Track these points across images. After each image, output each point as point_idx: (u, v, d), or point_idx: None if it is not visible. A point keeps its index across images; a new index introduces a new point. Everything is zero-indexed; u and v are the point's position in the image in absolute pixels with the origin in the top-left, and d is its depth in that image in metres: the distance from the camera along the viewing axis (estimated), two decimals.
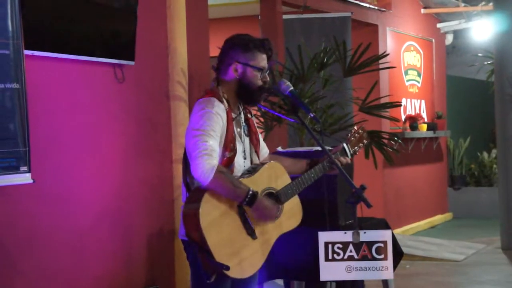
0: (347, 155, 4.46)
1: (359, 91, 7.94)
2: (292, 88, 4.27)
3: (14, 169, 5.00)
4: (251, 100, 4.17)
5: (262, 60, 4.14)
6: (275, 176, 4.16)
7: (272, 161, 4.26)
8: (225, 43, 4.21)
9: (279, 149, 6.21)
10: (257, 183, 4.01)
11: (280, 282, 7.03)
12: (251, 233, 3.96)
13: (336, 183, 5.75)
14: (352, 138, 4.54)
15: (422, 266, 9.06)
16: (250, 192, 3.87)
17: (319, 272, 4.08)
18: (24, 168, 5.06)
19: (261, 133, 7.18)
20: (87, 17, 5.82)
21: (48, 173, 5.57)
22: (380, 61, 7.82)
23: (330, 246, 4.06)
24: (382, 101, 8.00)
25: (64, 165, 5.73)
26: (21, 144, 5.03)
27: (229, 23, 11.09)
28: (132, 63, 6.28)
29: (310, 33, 8.59)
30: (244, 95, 4.13)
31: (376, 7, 11.21)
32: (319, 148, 4.49)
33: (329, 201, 5.76)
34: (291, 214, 4.21)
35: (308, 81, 7.16)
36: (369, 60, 7.33)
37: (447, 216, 14.06)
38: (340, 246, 4.05)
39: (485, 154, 15.17)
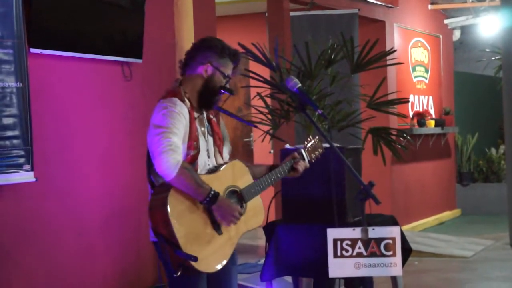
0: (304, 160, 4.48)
1: (366, 88, 7.92)
2: (299, 85, 4.27)
3: (17, 168, 5.03)
4: (209, 101, 4.20)
5: (230, 68, 4.22)
6: (239, 174, 4.19)
7: (235, 160, 4.28)
8: (202, 42, 4.27)
9: (287, 146, 6.20)
10: (221, 180, 4.03)
11: (288, 279, 7.04)
12: (217, 228, 3.97)
13: (344, 179, 5.75)
14: (308, 146, 4.55)
15: (431, 262, 9.05)
16: (212, 192, 3.88)
17: (328, 268, 4.07)
18: (27, 167, 5.09)
19: (269, 130, 7.20)
20: (95, 15, 5.83)
21: (56, 172, 5.58)
22: (388, 58, 7.79)
23: (338, 242, 4.06)
24: (390, 97, 7.96)
25: (72, 163, 5.75)
26: (24, 143, 5.06)
27: (236, 21, 11.09)
28: (139, 61, 6.29)
29: (317, 30, 8.58)
30: (205, 95, 4.16)
31: (383, 3, 11.20)
32: (327, 145, 4.50)
33: (338, 197, 5.75)
34: (254, 213, 4.23)
35: (316, 78, 7.14)
36: (376, 56, 7.32)
37: (456, 212, 14.05)
38: (349, 242, 4.04)
39: (493, 150, 15.14)
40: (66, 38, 5.60)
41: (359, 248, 4.05)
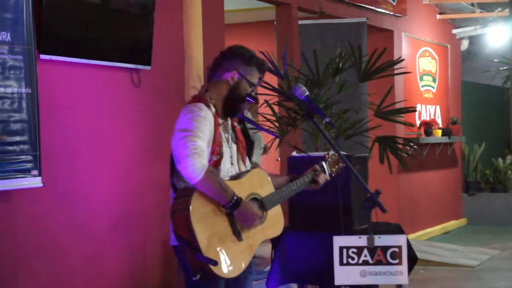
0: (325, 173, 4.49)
1: (374, 96, 7.92)
2: (307, 93, 4.28)
3: (25, 173, 5.04)
4: (234, 109, 4.22)
5: (256, 77, 4.24)
6: (260, 183, 4.20)
7: (258, 168, 4.29)
8: (230, 50, 4.28)
9: (294, 153, 6.21)
10: (243, 187, 4.04)
11: (294, 286, 7.03)
12: (238, 235, 3.97)
13: (350, 188, 5.75)
14: (329, 159, 4.55)
15: (437, 271, 9.04)
16: (235, 198, 3.89)
17: (334, 276, 4.07)
18: (35, 172, 5.10)
19: (276, 138, 7.20)
20: (104, 22, 5.85)
21: (64, 177, 5.60)
22: (395, 67, 7.80)
23: (344, 250, 4.06)
24: (397, 106, 7.97)
25: (80, 168, 5.76)
26: (32, 148, 5.07)
27: (245, 29, 11.11)
28: (148, 68, 6.31)
29: (325, 38, 8.58)
30: (230, 102, 4.17)
31: (391, 13, 11.20)
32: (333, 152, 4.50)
33: (344, 205, 5.75)
34: (274, 222, 4.24)
35: (324, 86, 7.15)
36: (384, 65, 7.32)
37: (462, 221, 14.02)
38: (355, 250, 4.04)
39: (500, 160, 15.12)
40: (76, 44, 5.62)
41: (365, 256, 4.05)
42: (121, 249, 6.12)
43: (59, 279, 5.53)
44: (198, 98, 4.13)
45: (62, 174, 5.57)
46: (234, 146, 4.24)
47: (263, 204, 4.11)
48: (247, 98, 4.21)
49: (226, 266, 3.89)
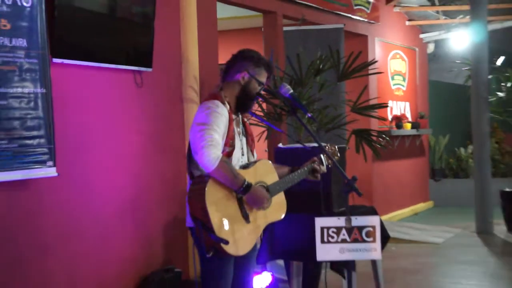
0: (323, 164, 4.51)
1: (351, 94, 7.93)
2: (291, 91, 4.28)
3: (41, 164, 5.03)
4: (246, 106, 4.23)
5: (264, 77, 4.26)
6: (266, 172, 4.22)
7: (265, 159, 4.33)
8: (241, 52, 4.30)
9: (280, 145, 6.20)
10: (251, 175, 4.06)
11: (281, 262, 7.03)
12: (246, 217, 4.01)
13: (330, 175, 5.75)
14: (326, 152, 4.56)
15: (407, 248, 9.06)
16: (246, 183, 3.92)
17: (316, 253, 4.07)
18: (50, 163, 5.10)
19: (263, 132, 7.20)
20: (111, 29, 5.83)
21: (76, 167, 5.58)
22: (370, 67, 7.81)
23: (325, 230, 4.05)
24: (371, 103, 7.98)
25: (90, 160, 5.74)
26: (47, 142, 5.06)
27: (236, 35, 11.08)
28: (150, 70, 6.29)
29: (307, 43, 8.57)
30: (242, 99, 4.19)
31: (366, 20, 11.19)
32: (315, 145, 4.50)
33: (325, 191, 5.76)
34: (278, 208, 4.28)
35: (306, 85, 7.15)
36: (359, 66, 7.33)
37: (429, 204, 14.06)
38: (334, 230, 4.04)
39: (462, 150, 15.16)
40: (85, 49, 5.60)
41: (343, 235, 4.05)
42: (127, 233, 6.11)
43: (72, 257, 5.51)
44: (215, 96, 4.13)
45: (75, 165, 5.56)
46: (244, 139, 4.27)
47: (268, 190, 4.13)
48: (257, 96, 4.23)
49: (235, 245, 3.91)
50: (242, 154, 4.21)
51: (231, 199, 3.95)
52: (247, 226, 4.00)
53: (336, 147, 4.69)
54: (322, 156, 4.47)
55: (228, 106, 4.10)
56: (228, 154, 4.03)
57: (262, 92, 4.32)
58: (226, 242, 3.82)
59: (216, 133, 3.92)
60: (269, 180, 4.18)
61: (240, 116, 4.26)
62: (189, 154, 4.07)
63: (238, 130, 4.19)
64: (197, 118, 4.03)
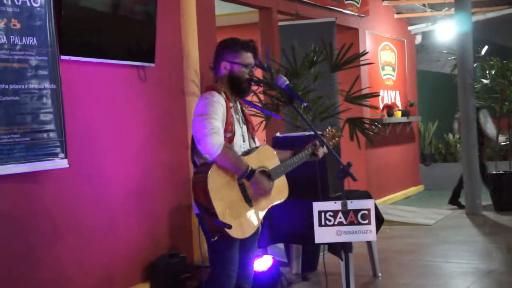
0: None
1: (344, 84, 7.95)
2: (288, 82, 4.29)
3: (54, 156, 5.05)
4: (240, 90, 4.19)
5: (247, 57, 4.18)
6: (267, 157, 4.21)
7: (266, 145, 4.32)
8: (217, 46, 4.28)
9: (278, 134, 6.23)
10: (253, 161, 4.05)
11: (281, 246, 7.07)
12: (249, 201, 4.00)
13: (326, 162, 5.78)
14: (327, 135, 4.57)
15: (399, 230, 9.09)
16: (249, 169, 3.92)
17: (314, 236, 4.10)
18: (62, 155, 5.12)
19: (262, 121, 7.22)
20: (115, 27, 5.83)
21: (85, 159, 5.60)
22: (361, 59, 7.83)
23: (322, 214, 4.08)
24: (363, 92, 8.00)
25: (98, 151, 5.77)
26: (58, 135, 5.08)
27: (233, 30, 11.05)
28: (152, 65, 6.30)
29: (302, 36, 8.57)
30: (234, 87, 4.16)
31: (356, 14, 11.20)
32: (312, 133, 4.52)
33: (321, 177, 5.79)
34: (280, 190, 4.27)
35: (301, 76, 7.17)
36: (351, 58, 7.34)
37: (420, 188, 14.09)
38: (331, 213, 4.06)
39: (450, 136, 15.17)
40: (91, 46, 5.61)
41: (340, 218, 4.07)
42: (133, 219, 6.13)
43: (82, 242, 5.54)
44: (211, 87, 4.14)
45: (84, 156, 5.58)
46: (245, 127, 4.26)
47: (270, 175, 4.12)
48: (250, 82, 4.18)
49: (240, 228, 3.91)
50: (243, 141, 4.20)
51: (234, 184, 3.95)
52: (250, 209, 4.00)
53: (335, 128, 4.68)
54: (323, 138, 4.47)
55: (224, 95, 4.10)
56: (229, 140, 4.02)
57: (255, 76, 4.23)
58: (230, 227, 3.82)
59: (216, 121, 3.92)
60: (270, 165, 4.17)
61: (238, 104, 4.26)
62: (192, 144, 4.08)
63: (237, 117, 4.18)
64: (197, 110, 4.04)
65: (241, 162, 3.90)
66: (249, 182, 3.96)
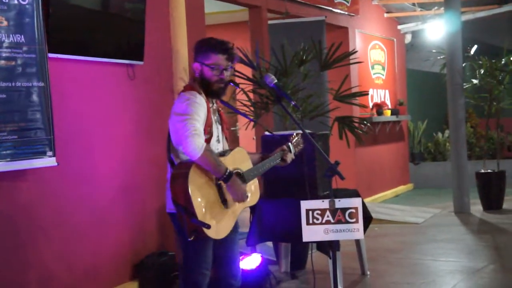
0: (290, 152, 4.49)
1: (333, 83, 7.95)
2: (276, 81, 4.28)
3: (42, 154, 5.03)
4: (211, 92, 4.14)
5: (218, 59, 4.10)
6: (242, 159, 4.20)
7: (240, 147, 4.30)
8: (192, 48, 4.23)
9: (267, 133, 6.23)
10: (229, 163, 4.03)
11: (269, 244, 7.07)
12: (225, 203, 3.98)
13: (315, 160, 5.78)
14: (293, 141, 4.56)
15: (388, 228, 9.11)
16: (228, 171, 3.90)
17: (302, 234, 4.10)
18: (50, 153, 5.10)
19: (250, 121, 7.21)
20: (103, 25, 5.82)
21: (73, 157, 5.59)
22: (350, 58, 7.83)
23: (310, 212, 4.08)
24: (353, 91, 8.00)
25: (86, 149, 5.75)
26: (47, 133, 5.06)
27: (223, 29, 11.07)
28: (141, 63, 6.29)
29: (291, 35, 8.57)
30: (205, 88, 4.12)
31: (346, 12, 11.21)
32: (300, 131, 4.52)
33: (309, 175, 5.79)
34: (253, 192, 4.25)
35: (290, 75, 7.17)
36: (341, 56, 7.35)
37: (409, 186, 14.13)
38: (319, 212, 4.07)
39: (440, 134, 15.22)
40: (79, 44, 5.59)
41: (328, 216, 4.07)
42: (121, 217, 6.12)
43: (70, 242, 5.53)
44: (191, 87, 4.10)
45: (72, 154, 5.56)
46: (219, 127, 4.24)
47: (244, 178, 4.12)
48: (219, 80, 4.10)
49: (215, 229, 3.90)
50: (218, 142, 4.18)
51: (212, 185, 3.93)
52: (225, 211, 3.99)
53: (300, 135, 4.64)
54: (290, 144, 4.47)
55: (204, 96, 4.09)
56: (206, 141, 3.98)
57: (232, 79, 4.18)
58: (208, 226, 3.81)
59: (198, 122, 3.89)
60: (244, 167, 4.16)
61: (215, 104, 4.23)
62: (168, 143, 4.04)
63: (214, 118, 4.16)
64: (176, 108, 3.99)
65: (220, 165, 3.89)
66: (226, 185, 3.95)
